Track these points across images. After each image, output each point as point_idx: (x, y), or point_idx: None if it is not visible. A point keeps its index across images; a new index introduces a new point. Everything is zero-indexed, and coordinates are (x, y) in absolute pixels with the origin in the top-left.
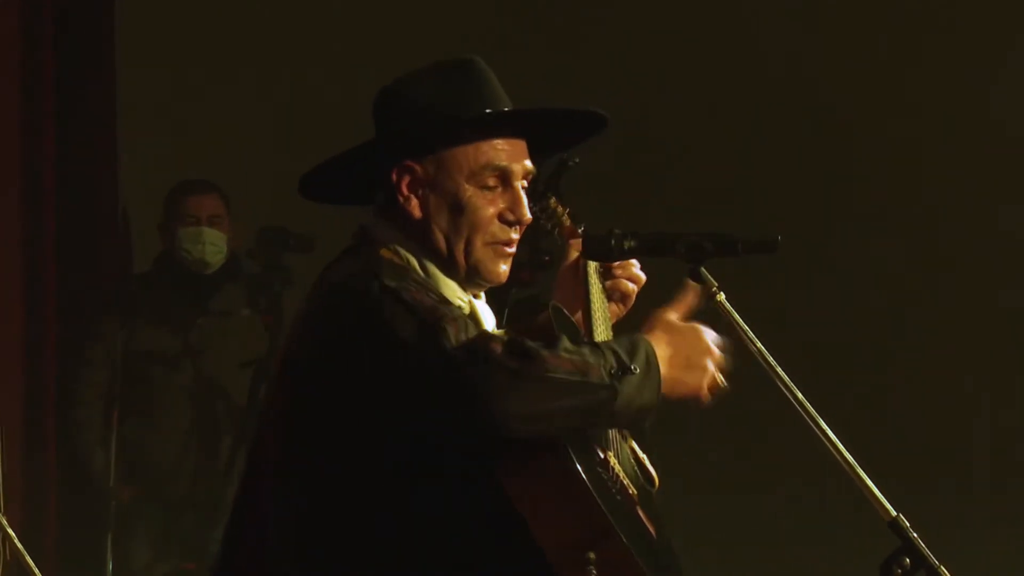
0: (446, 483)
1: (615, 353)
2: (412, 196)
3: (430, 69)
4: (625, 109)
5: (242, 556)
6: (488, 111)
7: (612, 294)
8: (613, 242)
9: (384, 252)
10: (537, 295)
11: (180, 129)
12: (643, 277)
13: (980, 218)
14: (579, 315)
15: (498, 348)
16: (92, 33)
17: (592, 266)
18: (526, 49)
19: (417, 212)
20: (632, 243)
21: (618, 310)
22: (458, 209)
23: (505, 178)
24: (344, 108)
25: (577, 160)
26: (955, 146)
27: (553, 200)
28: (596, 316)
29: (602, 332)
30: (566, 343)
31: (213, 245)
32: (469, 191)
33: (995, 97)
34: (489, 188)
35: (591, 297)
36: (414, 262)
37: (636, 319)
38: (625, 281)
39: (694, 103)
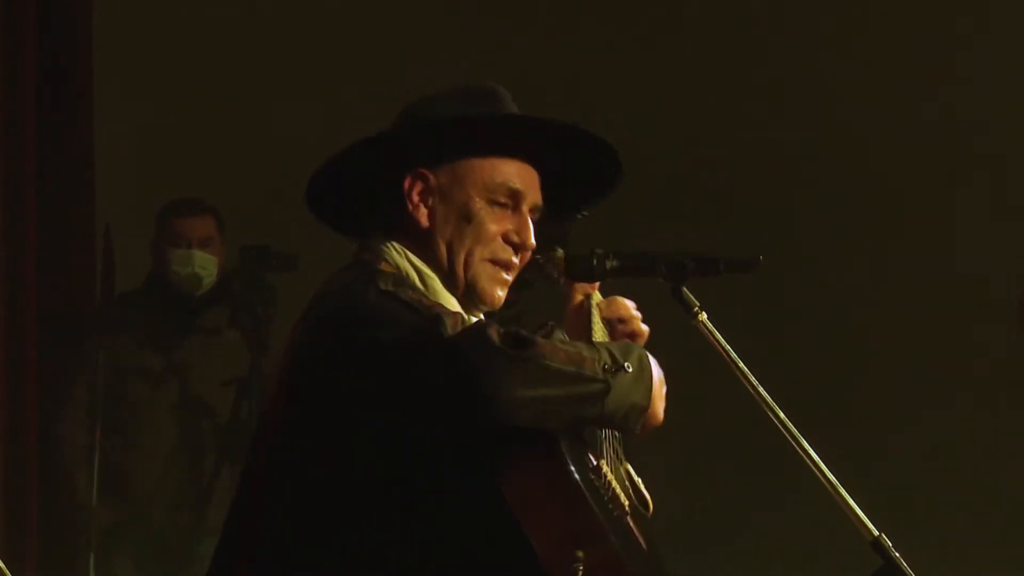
0: (438, 481)
1: (609, 351)
2: (421, 205)
3: (453, 89)
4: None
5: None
6: (505, 114)
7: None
8: (595, 262)
9: (384, 266)
10: (519, 315)
11: (162, 146)
12: (646, 331)
13: (971, 233)
14: None
15: (496, 335)
16: (70, 42)
17: (596, 308)
18: (514, 61)
19: (425, 221)
20: (614, 263)
21: None
22: (466, 219)
23: (516, 200)
24: (329, 124)
25: (586, 212)
26: (941, 160)
27: (560, 252)
28: None
29: None
30: (561, 335)
31: (203, 268)
32: (479, 204)
33: (996, 111)
34: (500, 205)
35: (594, 335)
36: (413, 275)
37: None
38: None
39: (675, 121)
